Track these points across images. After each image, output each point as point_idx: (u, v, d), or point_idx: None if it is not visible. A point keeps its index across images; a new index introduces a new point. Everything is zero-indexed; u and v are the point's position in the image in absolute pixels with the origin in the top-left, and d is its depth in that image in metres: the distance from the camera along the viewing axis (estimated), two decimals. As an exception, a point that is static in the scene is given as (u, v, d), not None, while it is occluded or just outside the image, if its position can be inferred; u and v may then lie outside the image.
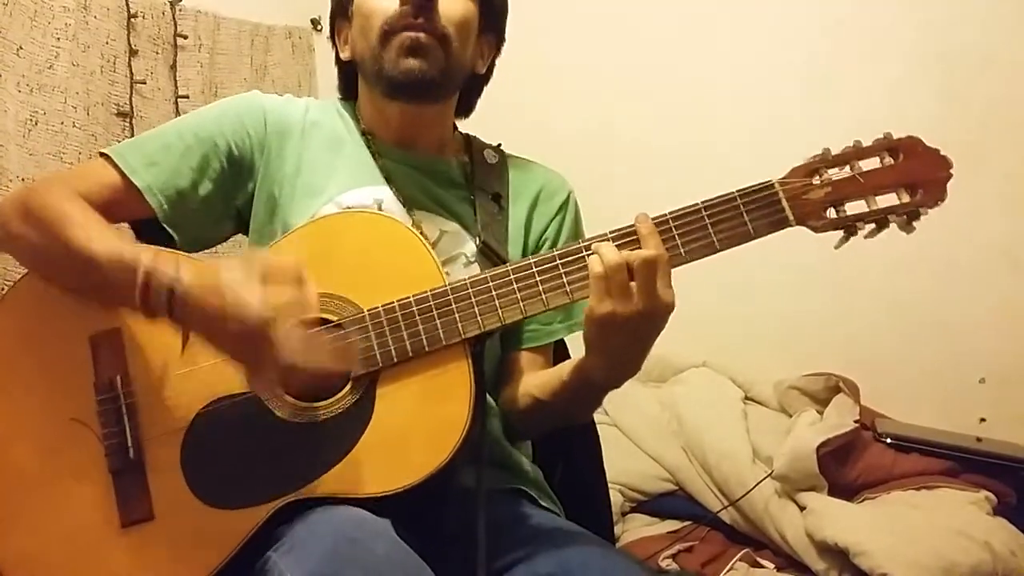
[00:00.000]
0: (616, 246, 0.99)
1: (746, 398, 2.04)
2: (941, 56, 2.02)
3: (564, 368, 1.12)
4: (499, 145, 1.32)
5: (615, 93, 2.26)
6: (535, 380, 1.18)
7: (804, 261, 1.64)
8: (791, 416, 1.93)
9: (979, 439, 1.89)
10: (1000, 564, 1.55)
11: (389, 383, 1.01)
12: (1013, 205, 1.93)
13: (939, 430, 1.90)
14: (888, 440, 1.84)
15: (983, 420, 2.00)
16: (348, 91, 1.29)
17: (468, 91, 1.28)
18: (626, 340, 1.00)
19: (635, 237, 1.00)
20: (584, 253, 1.01)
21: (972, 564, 1.53)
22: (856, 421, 1.84)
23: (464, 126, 1.34)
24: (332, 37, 1.28)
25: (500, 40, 1.28)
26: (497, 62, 1.30)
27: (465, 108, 1.30)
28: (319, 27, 2.47)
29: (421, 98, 1.18)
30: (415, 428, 0.99)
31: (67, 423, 1.03)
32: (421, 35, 1.12)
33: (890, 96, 2.05)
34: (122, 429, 1.02)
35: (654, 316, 0.97)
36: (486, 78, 1.29)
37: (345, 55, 1.25)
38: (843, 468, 1.79)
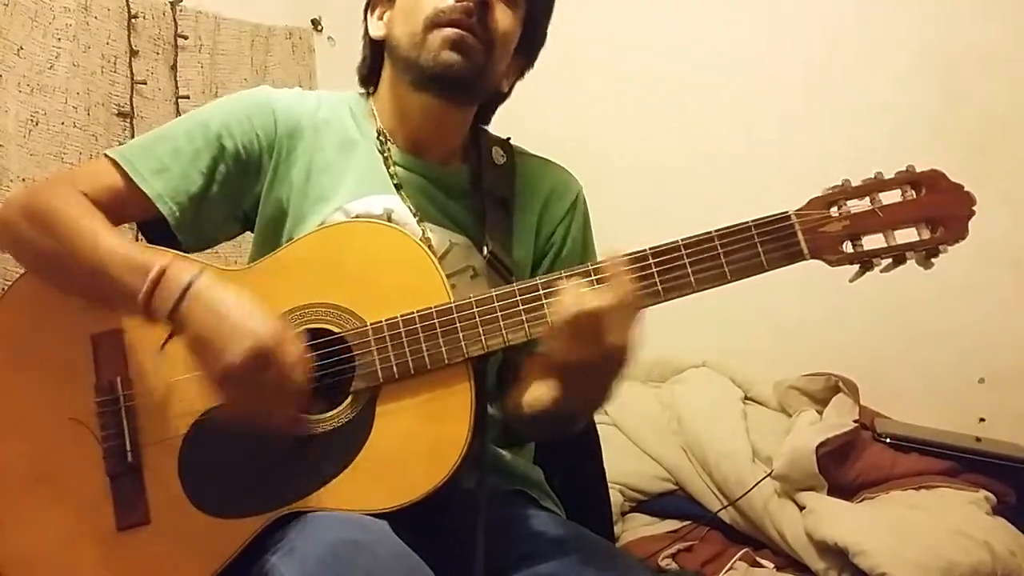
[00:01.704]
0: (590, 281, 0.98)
1: (746, 398, 2.04)
2: (942, 56, 2.02)
3: (544, 395, 1.10)
4: (508, 139, 1.29)
5: (617, 98, 2.27)
6: (524, 396, 1.15)
7: (803, 261, 1.64)
8: (791, 416, 1.94)
9: (978, 439, 1.89)
10: (999, 564, 1.56)
11: (389, 399, 1.01)
12: (1013, 205, 1.93)
13: (938, 430, 1.91)
14: (887, 440, 1.84)
15: (982, 420, 2.01)
16: (370, 74, 1.24)
17: (487, 105, 1.25)
18: (587, 381, 0.99)
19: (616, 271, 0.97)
20: (593, 277, 0.99)
21: (971, 564, 1.54)
22: (855, 421, 1.84)
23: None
24: (366, 10, 1.23)
25: (528, 65, 1.26)
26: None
27: (482, 118, 1.27)
28: (319, 28, 2.47)
29: (450, 93, 1.14)
30: (414, 447, 0.99)
31: (66, 423, 1.03)
32: (468, 35, 1.10)
33: (891, 97, 2.05)
34: (121, 432, 1.02)
35: (608, 361, 0.96)
36: (506, 96, 1.26)
37: (377, 33, 1.20)
38: (842, 468, 1.79)
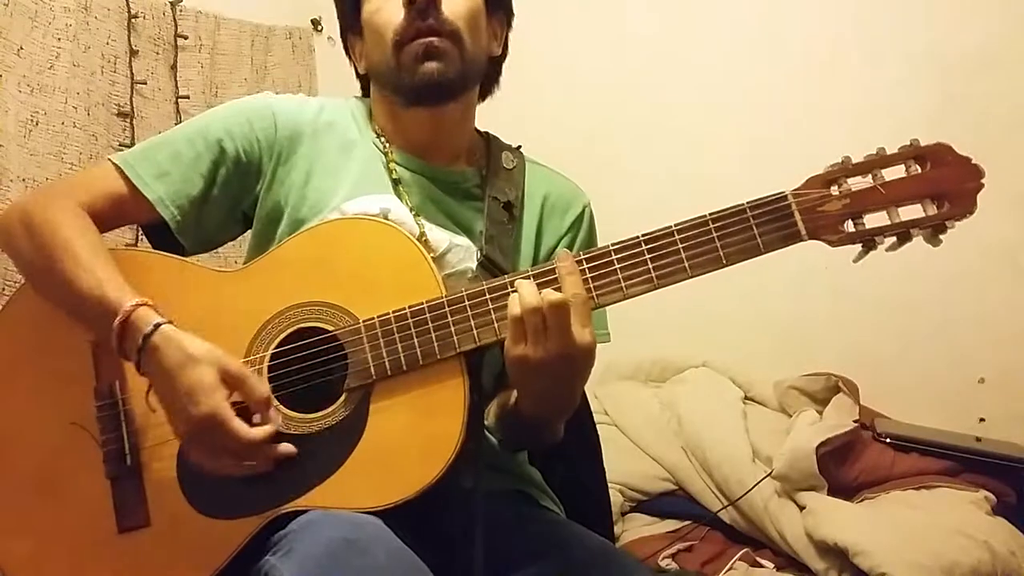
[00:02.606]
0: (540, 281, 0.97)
1: (746, 398, 2.04)
2: (941, 58, 2.02)
3: (508, 399, 1.10)
4: (519, 147, 1.28)
5: (617, 96, 2.27)
6: (505, 401, 1.15)
7: (804, 261, 1.66)
8: (791, 416, 1.94)
9: (978, 439, 1.89)
10: (1000, 564, 1.56)
11: (383, 396, 1.01)
12: (1013, 206, 1.93)
13: (938, 430, 1.91)
14: (887, 440, 1.84)
15: (982, 420, 2.00)
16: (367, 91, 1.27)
17: (488, 75, 1.24)
18: (545, 382, 0.98)
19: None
20: (588, 274, 0.99)
21: (972, 564, 1.54)
22: (855, 421, 1.84)
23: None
24: (347, 52, 1.26)
25: (510, 16, 1.26)
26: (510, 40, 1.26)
27: (486, 91, 1.27)
28: (319, 27, 2.47)
29: (443, 100, 1.15)
30: (408, 443, 0.99)
31: (67, 427, 1.03)
32: (434, 39, 1.11)
33: (891, 98, 2.05)
34: (120, 435, 1.02)
35: (569, 359, 0.95)
36: (503, 57, 1.26)
37: (362, 69, 1.23)
38: (842, 468, 1.79)
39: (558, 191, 1.26)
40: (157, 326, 0.96)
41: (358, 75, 1.26)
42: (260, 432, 0.96)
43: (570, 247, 1.23)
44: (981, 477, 1.80)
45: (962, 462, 1.81)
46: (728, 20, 2.20)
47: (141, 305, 0.97)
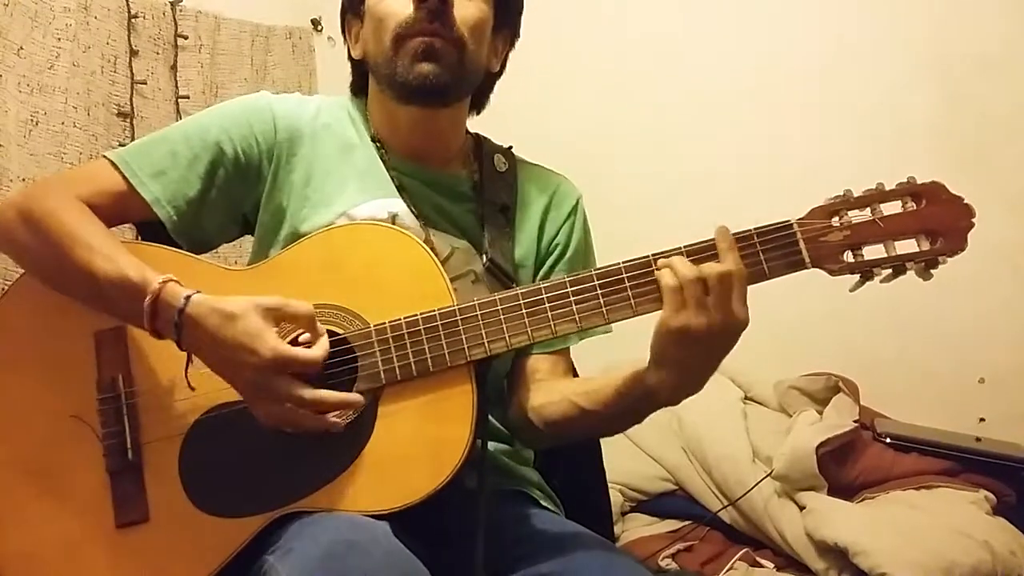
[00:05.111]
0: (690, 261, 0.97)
1: (746, 398, 2.04)
2: (942, 60, 2.03)
3: (617, 379, 1.07)
4: (510, 148, 1.29)
5: (616, 97, 2.27)
6: (578, 388, 1.13)
7: (805, 270, 1.67)
8: (791, 416, 1.94)
9: (978, 439, 1.89)
10: (1000, 564, 1.56)
11: (392, 401, 1.01)
12: (1013, 207, 1.94)
13: (938, 430, 1.91)
14: (887, 440, 1.85)
15: (982, 420, 2.00)
16: (360, 89, 1.25)
17: (481, 88, 1.24)
18: (698, 355, 0.98)
19: (712, 252, 0.98)
20: (595, 281, 1.00)
21: (972, 564, 1.54)
22: (855, 421, 1.85)
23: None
24: (343, 33, 1.24)
25: (515, 35, 1.25)
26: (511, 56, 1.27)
27: (478, 105, 1.27)
28: (319, 27, 2.47)
29: (434, 102, 1.15)
30: (415, 449, 0.99)
31: (67, 420, 1.03)
32: (435, 40, 1.10)
33: (891, 99, 2.05)
34: (122, 430, 1.02)
35: (728, 331, 0.96)
36: (499, 73, 1.26)
37: (356, 53, 1.21)
38: (842, 468, 1.79)
39: (554, 188, 1.27)
40: (188, 298, 0.96)
41: (352, 73, 1.25)
42: (320, 350, 0.96)
43: (569, 236, 1.24)
44: (981, 477, 1.80)
45: (962, 462, 1.82)
46: (728, 20, 2.20)
47: (168, 282, 0.97)
